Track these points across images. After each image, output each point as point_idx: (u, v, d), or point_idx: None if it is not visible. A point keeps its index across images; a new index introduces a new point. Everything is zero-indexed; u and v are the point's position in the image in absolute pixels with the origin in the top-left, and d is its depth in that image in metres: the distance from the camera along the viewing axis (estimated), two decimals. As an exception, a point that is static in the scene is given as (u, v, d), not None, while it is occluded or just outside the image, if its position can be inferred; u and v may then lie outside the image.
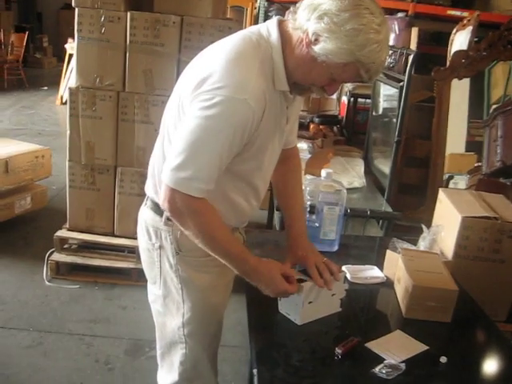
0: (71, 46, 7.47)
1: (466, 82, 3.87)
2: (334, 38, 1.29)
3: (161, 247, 1.62)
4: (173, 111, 1.50)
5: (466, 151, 3.95)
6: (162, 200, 1.42)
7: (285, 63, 1.42)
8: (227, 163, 1.42)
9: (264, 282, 1.49)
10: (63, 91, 8.36)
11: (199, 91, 1.35)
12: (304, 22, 1.34)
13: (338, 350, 1.39)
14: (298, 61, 1.40)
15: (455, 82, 3.78)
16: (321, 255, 1.64)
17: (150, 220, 1.63)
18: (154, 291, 1.73)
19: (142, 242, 1.70)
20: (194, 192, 1.37)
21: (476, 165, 3.75)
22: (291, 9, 1.41)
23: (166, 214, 1.48)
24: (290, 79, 1.44)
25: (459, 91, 3.86)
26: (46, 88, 10.16)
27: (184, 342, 1.70)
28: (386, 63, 3.43)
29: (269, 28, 1.44)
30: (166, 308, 1.70)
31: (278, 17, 1.46)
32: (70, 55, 7.78)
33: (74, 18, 3.08)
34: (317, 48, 1.32)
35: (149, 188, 1.66)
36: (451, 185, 3.76)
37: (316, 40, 1.32)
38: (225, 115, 1.33)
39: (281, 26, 1.42)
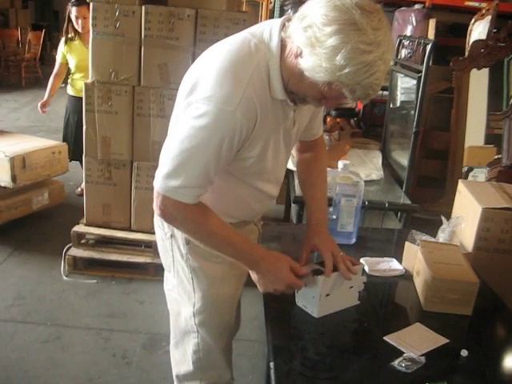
0: (87, 43, 7.49)
1: (485, 73, 3.81)
2: (313, 54, 1.19)
3: (172, 236, 1.63)
4: (174, 113, 1.49)
5: (485, 144, 3.89)
6: (154, 206, 1.43)
7: (281, 71, 1.34)
8: (218, 170, 1.40)
9: (272, 272, 1.47)
10: (80, 88, 8.40)
11: (190, 99, 1.33)
12: (293, 31, 1.25)
13: None
14: (289, 71, 1.32)
15: (474, 74, 3.73)
16: (338, 247, 1.60)
17: None
18: (170, 279, 1.75)
19: (158, 232, 1.72)
20: (185, 199, 1.37)
21: (496, 157, 3.69)
22: (290, 14, 1.32)
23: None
24: (287, 88, 1.37)
25: (478, 83, 3.80)
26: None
27: (196, 332, 1.71)
28: (403, 54, 3.39)
29: (272, 31, 1.35)
30: (180, 297, 1.71)
31: (285, 16, 1.35)
32: (86, 52, 7.80)
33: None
34: (301, 62, 1.24)
35: None
36: (470, 177, 3.70)
37: (301, 53, 1.23)
38: (213, 126, 1.30)
39: (284, 29, 1.32)
